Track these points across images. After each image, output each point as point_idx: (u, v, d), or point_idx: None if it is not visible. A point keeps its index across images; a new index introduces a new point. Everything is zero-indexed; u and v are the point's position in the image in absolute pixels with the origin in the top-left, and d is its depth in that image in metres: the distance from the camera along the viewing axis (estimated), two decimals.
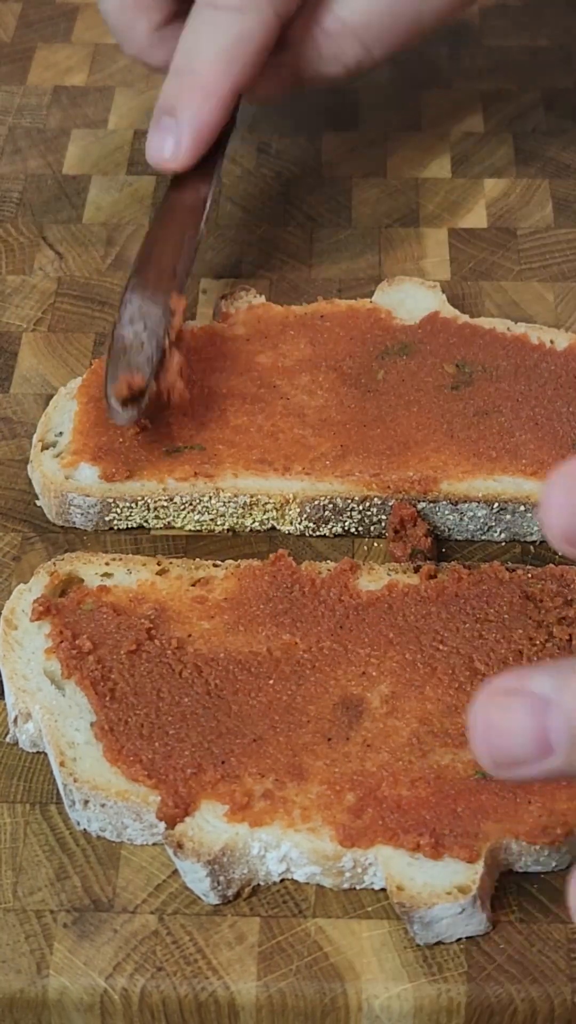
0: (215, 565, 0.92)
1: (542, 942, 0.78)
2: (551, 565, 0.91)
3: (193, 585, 0.90)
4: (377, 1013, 0.76)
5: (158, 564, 0.92)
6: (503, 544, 0.96)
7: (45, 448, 0.99)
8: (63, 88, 1.34)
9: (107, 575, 0.91)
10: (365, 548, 0.97)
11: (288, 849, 0.78)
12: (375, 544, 0.97)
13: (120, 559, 0.92)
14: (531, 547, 0.96)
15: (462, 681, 0.85)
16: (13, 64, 1.37)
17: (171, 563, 0.92)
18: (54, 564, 0.92)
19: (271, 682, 0.85)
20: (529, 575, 0.90)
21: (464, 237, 1.19)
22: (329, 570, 0.91)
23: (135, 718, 0.83)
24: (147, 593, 0.90)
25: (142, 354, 0.97)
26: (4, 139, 1.29)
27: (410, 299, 1.08)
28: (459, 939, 0.78)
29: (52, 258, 1.17)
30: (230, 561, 0.92)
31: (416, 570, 0.91)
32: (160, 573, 0.91)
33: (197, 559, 0.93)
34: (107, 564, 0.92)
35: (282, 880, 0.80)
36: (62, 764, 0.82)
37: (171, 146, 1.05)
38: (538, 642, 0.86)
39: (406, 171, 1.25)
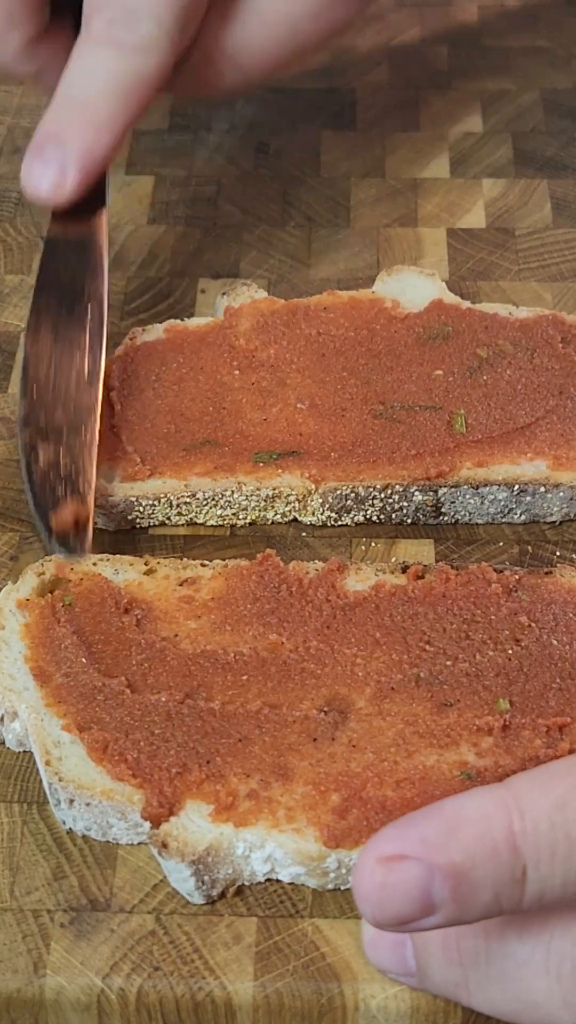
0: (203, 565, 0.92)
1: None
2: (534, 568, 0.91)
3: (180, 585, 0.90)
4: (374, 1013, 0.76)
5: (145, 564, 0.92)
6: (502, 544, 0.96)
7: None
8: None
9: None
10: (363, 548, 0.96)
11: (273, 849, 0.78)
12: (373, 544, 0.97)
13: (108, 559, 0.92)
14: (529, 547, 0.96)
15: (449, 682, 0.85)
16: None
17: (159, 563, 0.92)
18: (41, 564, 0.92)
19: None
20: (516, 576, 0.90)
21: (462, 237, 1.18)
22: (317, 570, 0.91)
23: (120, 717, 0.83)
24: (134, 593, 0.90)
25: (80, 477, 0.93)
26: (4, 139, 1.29)
27: (410, 288, 1.08)
28: None
29: None
30: (217, 561, 0.92)
31: (404, 570, 0.91)
32: (148, 573, 0.91)
33: (184, 559, 0.93)
34: (95, 564, 0.92)
35: (277, 880, 0.80)
36: (47, 763, 0.82)
37: (55, 176, 0.97)
38: (524, 643, 0.86)
39: (405, 171, 1.25)
